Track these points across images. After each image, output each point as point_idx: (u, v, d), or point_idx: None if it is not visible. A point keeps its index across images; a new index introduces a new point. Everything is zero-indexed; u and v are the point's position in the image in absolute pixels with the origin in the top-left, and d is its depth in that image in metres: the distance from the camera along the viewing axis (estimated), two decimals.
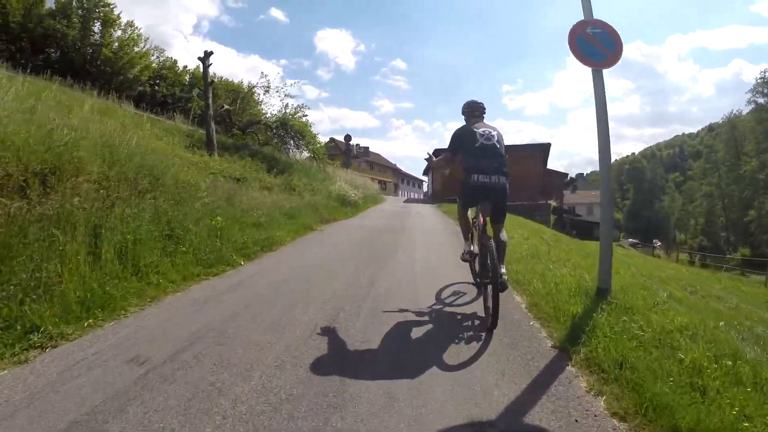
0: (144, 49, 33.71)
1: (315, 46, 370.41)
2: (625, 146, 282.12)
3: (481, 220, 5.25)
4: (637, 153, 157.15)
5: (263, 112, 24.65)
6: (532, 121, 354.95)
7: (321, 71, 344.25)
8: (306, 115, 23.67)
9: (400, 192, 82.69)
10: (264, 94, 23.00)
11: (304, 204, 15.62)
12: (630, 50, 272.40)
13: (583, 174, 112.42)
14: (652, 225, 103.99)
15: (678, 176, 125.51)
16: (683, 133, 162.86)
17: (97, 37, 30.57)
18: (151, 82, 35.82)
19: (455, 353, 4.06)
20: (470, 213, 5.58)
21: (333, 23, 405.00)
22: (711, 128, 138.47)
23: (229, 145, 20.64)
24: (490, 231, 5.37)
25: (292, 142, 22.16)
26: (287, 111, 22.58)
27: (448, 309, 5.44)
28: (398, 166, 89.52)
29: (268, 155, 21.32)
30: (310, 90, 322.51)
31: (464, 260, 5.66)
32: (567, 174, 58.22)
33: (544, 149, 38.80)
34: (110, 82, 28.09)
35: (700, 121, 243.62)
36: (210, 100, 19.36)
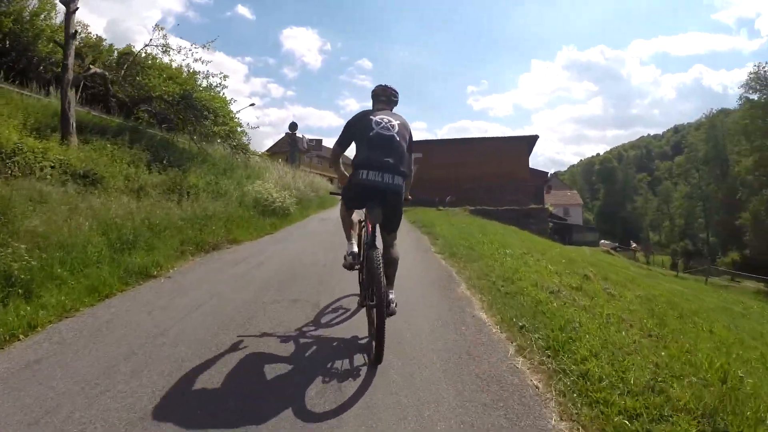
0: (60, 23, 25.92)
1: (281, 44, 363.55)
2: (587, 147, 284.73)
3: (369, 227, 4.28)
4: (601, 154, 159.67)
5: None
6: (497, 122, 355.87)
7: (287, 69, 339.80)
8: (225, 86, 17.20)
9: None
10: (162, 54, 16.25)
11: (179, 218, 9.45)
12: (594, 53, 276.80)
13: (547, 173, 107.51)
14: (626, 226, 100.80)
15: (646, 176, 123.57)
16: (648, 135, 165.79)
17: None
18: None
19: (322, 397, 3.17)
20: (355, 215, 4.69)
21: (299, 21, 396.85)
22: (677, 130, 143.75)
23: (108, 128, 14.13)
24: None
25: (194, 120, 15.26)
26: (196, 81, 16.04)
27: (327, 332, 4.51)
28: None
29: (160, 142, 14.92)
30: (276, 88, 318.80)
31: (347, 266, 4.48)
32: (547, 173, 52.28)
33: (529, 143, 32.46)
34: (18, 60, 20.62)
35: (662, 124, 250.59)
36: (70, 60, 12.72)
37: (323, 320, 4.85)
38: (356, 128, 4.30)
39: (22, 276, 5.00)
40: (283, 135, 64.21)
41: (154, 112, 16.48)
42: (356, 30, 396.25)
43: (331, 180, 65.55)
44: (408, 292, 5.83)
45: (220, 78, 16.82)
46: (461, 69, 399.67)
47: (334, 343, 4.25)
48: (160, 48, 16.13)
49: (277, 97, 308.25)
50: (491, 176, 27.61)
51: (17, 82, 14.96)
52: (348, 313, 5.05)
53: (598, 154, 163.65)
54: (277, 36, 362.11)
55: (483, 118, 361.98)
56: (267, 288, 6.11)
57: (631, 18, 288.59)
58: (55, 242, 6.08)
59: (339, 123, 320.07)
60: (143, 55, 16.53)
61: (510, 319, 4.83)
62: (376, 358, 3.64)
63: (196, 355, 3.79)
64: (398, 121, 4.30)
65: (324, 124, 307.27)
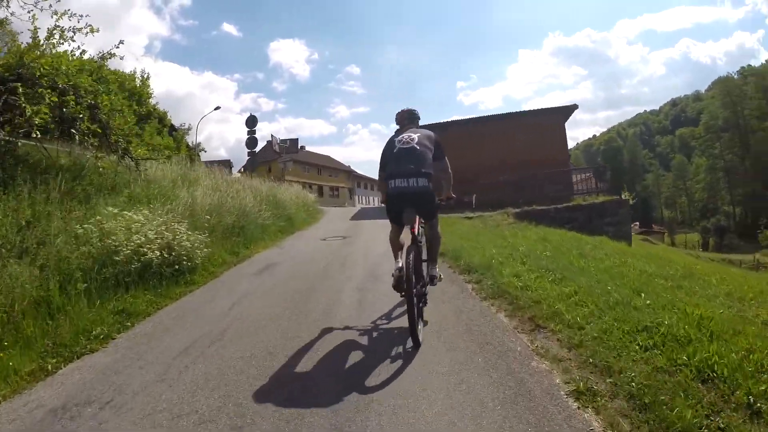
0: None
1: (269, 57, 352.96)
2: (580, 131, 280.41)
3: (414, 228, 4.69)
4: (597, 135, 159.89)
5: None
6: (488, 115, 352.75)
7: (276, 83, 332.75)
8: (110, 56, 10.66)
9: (356, 197, 70.96)
10: None
11: None
12: (580, 38, 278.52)
13: None
14: (639, 206, 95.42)
15: (648, 153, 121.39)
16: (645, 111, 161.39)
17: None
18: None
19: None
20: (403, 237, 4.97)
21: (285, 33, 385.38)
22: (674, 103, 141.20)
23: None
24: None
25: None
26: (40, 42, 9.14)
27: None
28: (352, 168, 76.73)
29: None
30: (266, 102, 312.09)
31: (395, 285, 4.53)
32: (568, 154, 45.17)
33: (565, 114, 24.75)
34: None
35: (653, 101, 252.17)
36: None
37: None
38: (386, 152, 4.91)
39: None
40: (265, 144, 57.22)
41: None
42: (342, 37, 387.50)
43: (321, 190, 59.39)
44: None
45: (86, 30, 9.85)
46: (449, 66, 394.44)
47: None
48: None
49: (267, 111, 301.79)
50: (521, 164, 20.09)
51: None
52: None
53: (594, 136, 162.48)
54: (264, 50, 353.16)
55: (474, 112, 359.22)
56: None
57: None
58: None
59: (330, 130, 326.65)
60: None
61: None
62: (413, 343, 4.06)
63: None
64: (419, 134, 4.82)
65: (315, 133, 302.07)
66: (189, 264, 6.67)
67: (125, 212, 6.89)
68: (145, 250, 6.14)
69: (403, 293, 4.39)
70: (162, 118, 35.61)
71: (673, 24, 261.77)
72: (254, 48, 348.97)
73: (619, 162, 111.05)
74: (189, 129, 41.85)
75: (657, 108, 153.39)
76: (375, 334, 4.51)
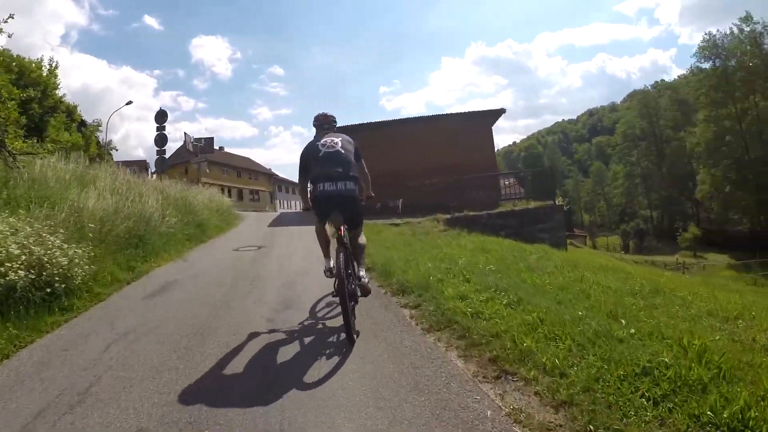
0: None
1: (191, 54, 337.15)
2: (500, 138, 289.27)
3: (341, 231, 4.67)
4: (517, 142, 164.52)
5: None
6: None
7: (197, 81, 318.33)
8: None
9: (278, 201, 69.45)
10: None
11: None
12: (502, 48, 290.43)
13: None
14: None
15: (566, 160, 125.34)
16: (563, 120, 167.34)
17: None
18: None
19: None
20: (329, 228, 5.09)
21: (209, 30, 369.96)
22: (591, 113, 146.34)
23: None
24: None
25: None
26: None
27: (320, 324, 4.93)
28: (274, 171, 75.62)
29: None
30: (186, 101, 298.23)
31: (328, 276, 4.91)
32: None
33: (493, 118, 24.30)
34: None
35: (570, 111, 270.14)
36: None
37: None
38: (308, 156, 4.95)
39: None
40: (181, 144, 54.90)
41: None
42: (266, 37, 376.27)
43: (240, 193, 57.52)
44: None
45: None
46: (373, 70, 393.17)
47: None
48: None
49: (188, 110, 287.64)
50: (449, 168, 19.39)
51: None
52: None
53: (514, 143, 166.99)
54: (186, 46, 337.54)
55: (396, 117, 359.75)
56: None
57: (537, 12, 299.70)
58: None
59: (252, 132, 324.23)
60: None
61: None
62: (348, 340, 4.16)
63: None
64: (340, 138, 4.99)
65: (237, 135, 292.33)
66: (64, 286, 5.37)
67: None
68: (5, 269, 4.84)
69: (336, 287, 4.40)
70: (71, 113, 33.49)
71: (591, 39, 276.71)
72: (176, 43, 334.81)
73: (539, 168, 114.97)
74: (100, 125, 39.41)
75: (575, 117, 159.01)
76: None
